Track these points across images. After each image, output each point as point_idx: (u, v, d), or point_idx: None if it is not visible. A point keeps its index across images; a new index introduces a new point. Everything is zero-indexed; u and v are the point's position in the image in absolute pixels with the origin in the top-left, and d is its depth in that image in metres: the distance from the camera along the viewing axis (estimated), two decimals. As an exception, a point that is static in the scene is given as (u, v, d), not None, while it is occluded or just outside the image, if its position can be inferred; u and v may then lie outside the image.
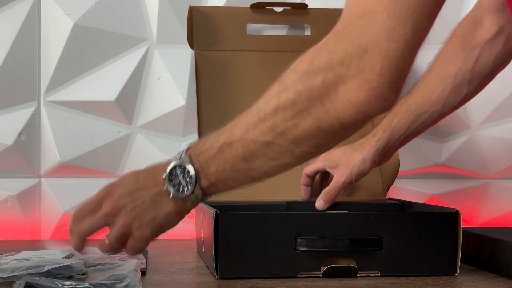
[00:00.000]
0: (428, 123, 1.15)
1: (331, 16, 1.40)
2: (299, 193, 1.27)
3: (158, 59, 1.48)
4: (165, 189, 0.83)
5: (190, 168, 0.81)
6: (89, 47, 1.46)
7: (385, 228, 1.04)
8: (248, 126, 0.78)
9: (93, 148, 1.47)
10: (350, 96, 0.73)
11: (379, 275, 1.04)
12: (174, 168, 0.82)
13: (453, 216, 1.06)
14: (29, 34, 1.45)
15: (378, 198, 1.31)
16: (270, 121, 0.77)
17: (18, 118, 1.45)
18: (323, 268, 1.03)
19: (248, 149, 0.79)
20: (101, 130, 1.47)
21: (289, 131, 0.76)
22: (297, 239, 1.03)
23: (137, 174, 0.86)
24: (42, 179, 1.48)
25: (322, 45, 0.75)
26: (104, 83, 1.46)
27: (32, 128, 1.46)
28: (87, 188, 1.47)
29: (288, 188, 1.30)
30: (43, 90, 1.46)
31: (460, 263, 1.18)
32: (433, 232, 1.05)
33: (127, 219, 0.84)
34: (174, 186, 0.82)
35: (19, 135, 1.45)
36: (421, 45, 0.75)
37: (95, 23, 1.46)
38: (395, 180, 1.34)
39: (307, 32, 1.45)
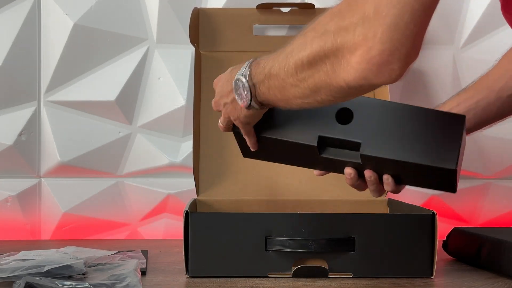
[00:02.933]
0: None
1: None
2: (304, 193, 1.28)
3: (158, 59, 1.48)
4: (235, 96, 0.93)
5: (247, 84, 0.90)
6: (89, 47, 1.46)
7: (358, 229, 1.04)
8: (280, 65, 0.85)
9: (93, 148, 1.47)
10: (353, 62, 0.75)
11: (351, 276, 1.04)
12: (238, 80, 0.91)
13: (429, 218, 1.05)
14: (29, 34, 1.45)
15: (378, 199, 1.31)
16: (294, 69, 0.83)
17: (18, 118, 1.45)
18: (293, 268, 1.03)
19: (282, 85, 0.85)
20: (101, 130, 1.47)
21: (307, 80, 0.82)
22: (268, 239, 1.03)
23: (225, 77, 0.97)
24: (42, 179, 1.48)
25: (335, 11, 0.79)
26: (104, 83, 1.46)
27: (32, 128, 1.46)
28: (87, 188, 1.48)
29: (293, 187, 1.31)
30: (43, 90, 1.46)
31: (460, 263, 1.18)
32: (408, 234, 1.04)
33: (225, 113, 0.99)
34: (238, 95, 0.92)
35: (19, 135, 1.45)
36: (427, 12, 0.74)
37: (95, 23, 1.46)
38: (395, 180, 1.34)
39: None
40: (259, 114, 0.95)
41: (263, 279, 1.03)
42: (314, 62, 0.80)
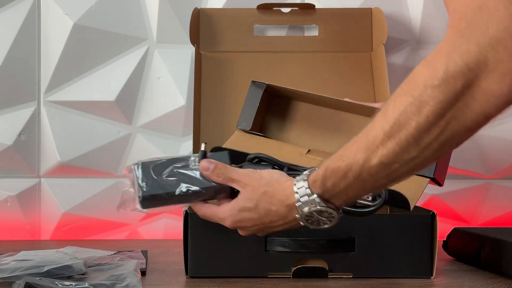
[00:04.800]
0: None
1: (338, 16, 1.42)
2: None
3: (158, 59, 1.48)
4: (301, 223, 0.89)
5: (332, 211, 0.86)
6: (89, 47, 1.46)
7: (358, 229, 1.03)
8: (371, 148, 0.77)
9: (93, 148, 1.47)
10: (493, 89, 0.71)
11: (351, 276, 1.04)
12: (311, 213, 0.86)
13: (429, 218, 1.05)
14: (29, 34, 1.45)
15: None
16: (414, 138, 0.75)
17: (18, 118, 1.45)
18: (293, 269, 1.03)
19: (390, 169, 0.78)
20: (101, 130, 1.47)
21: (435, 141, 0.75)
22: (268, 239, 1.03)
23: (266, 208, 0.90)
24: (42, 179, 1.48)
25: (449, 49, 0.73)
26: (104, 83, 1.46)
27: (32, 128, 1.46)
28: (87, 188, 1.48)
29: None
30: (43, 90, 1.46)
31: (460, 263, 1.18)
32: (408, 234, 1.04)
33: (255, 231, 0.95)
34: (312, 223, 0.88)
35: (19, 135, 1.45)
36: None
37: (95, 23, 1.46)
38: (395, 180, 1.34)
39: (315, 33, 1.45)
40: None
41: (263, 279, 1.03)
42: (446, 115, 0.73)
